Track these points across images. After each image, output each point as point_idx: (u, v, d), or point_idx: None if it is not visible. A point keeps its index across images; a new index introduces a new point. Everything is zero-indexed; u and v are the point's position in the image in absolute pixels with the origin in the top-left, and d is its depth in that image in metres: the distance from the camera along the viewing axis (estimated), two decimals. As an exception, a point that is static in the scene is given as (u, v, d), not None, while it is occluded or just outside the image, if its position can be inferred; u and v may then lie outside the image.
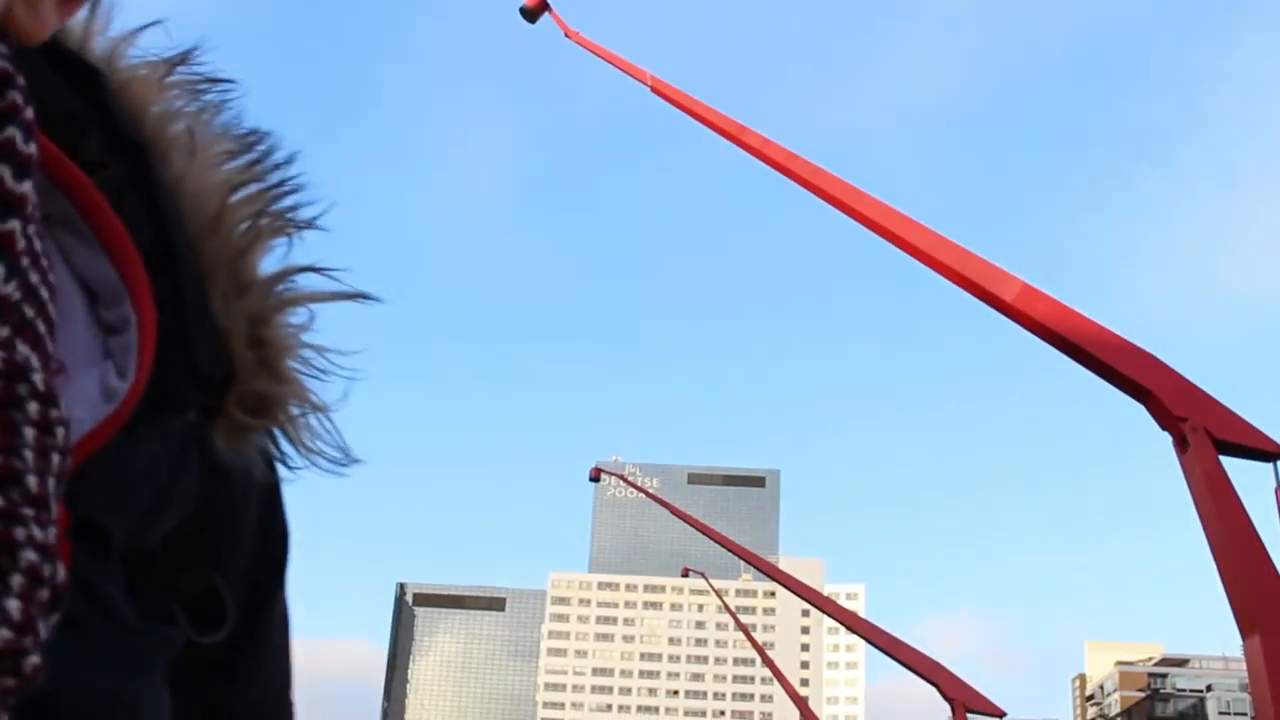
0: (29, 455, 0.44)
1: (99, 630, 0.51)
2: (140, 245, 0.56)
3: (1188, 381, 6.86)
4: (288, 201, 0.65)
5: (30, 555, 0.43)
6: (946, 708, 15.55)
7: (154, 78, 0.64)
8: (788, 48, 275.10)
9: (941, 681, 15.69)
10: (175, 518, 0.59)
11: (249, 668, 0.67)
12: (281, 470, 0.68)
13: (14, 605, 0.42)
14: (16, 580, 0.42)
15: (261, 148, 0.65)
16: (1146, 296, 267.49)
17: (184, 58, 0.65)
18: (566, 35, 13.47)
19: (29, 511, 0.43)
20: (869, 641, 17.78)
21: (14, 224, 0.45)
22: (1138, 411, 6.89)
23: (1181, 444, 6.66)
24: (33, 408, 0.44)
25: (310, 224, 0.66)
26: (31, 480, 0.43)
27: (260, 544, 0.67)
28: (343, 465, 0.68)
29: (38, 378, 0.45)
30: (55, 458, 0.45)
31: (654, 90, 11.51)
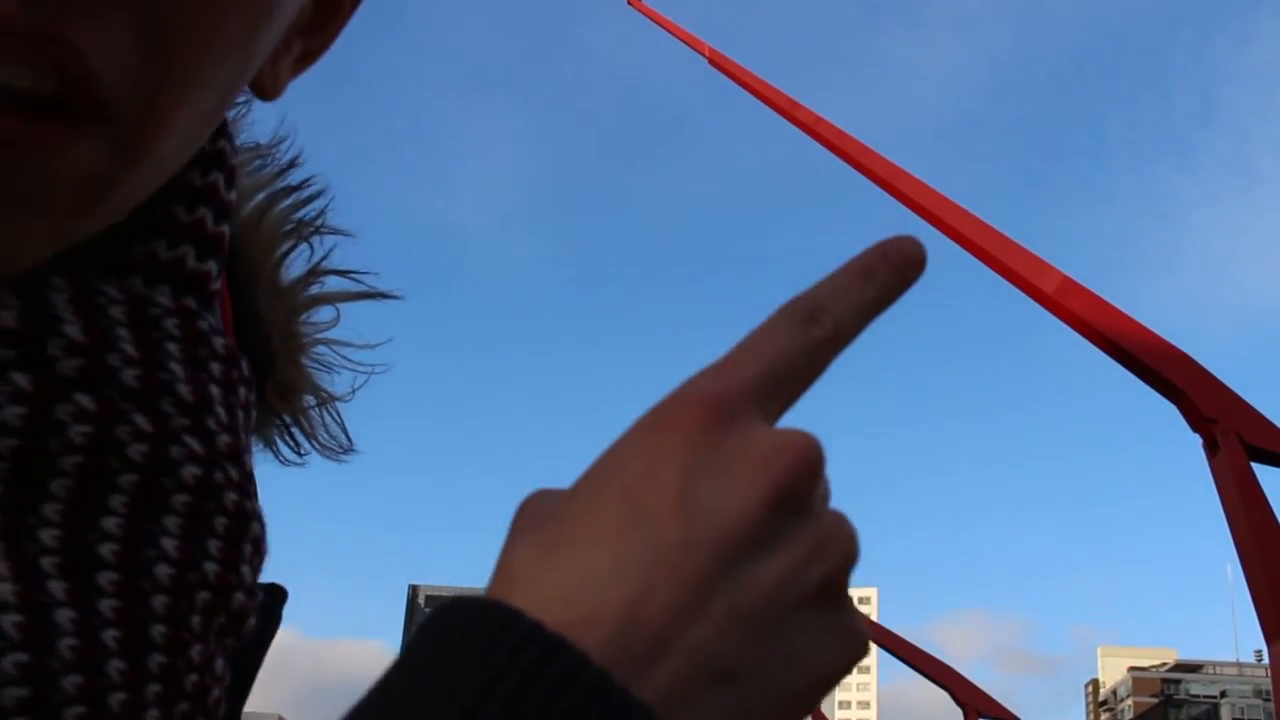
0: (244, 436, 0.48)
1: None
2: None
3: (1221, 384, 6.83)
4: (314, 205, 0.68)
5: (256, 527, 0.47)
6: (959, 712, 15.51)
7: None
8: (797, 43, 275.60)
9: (954, 686, 15.65)
10: None
11: None
12: (289, 455, 0.72)
13: (246, 571, 0.46)
14: (247, 549, 0.46)
15: (284, 154, 0.68)
16: (1159, 295, 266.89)
17: None
18: (629, 3, 13.40)
19: (251, 487, 0.47)
20: (881, 646, 17.75)
21: (211, 265, 0.50)
22: (1157, 416, 6.87)
23: (1212, 446, 6.63)
24: (242, 392, 0.49)
25: (335, 229, 0.69)
26: (248, 459, 0.48)
27: None
28: (344, 453, 0.72)
29: (244, 363, 0.50)
30: (249, 438, 0.50)
31: (711, 62, 11.49)
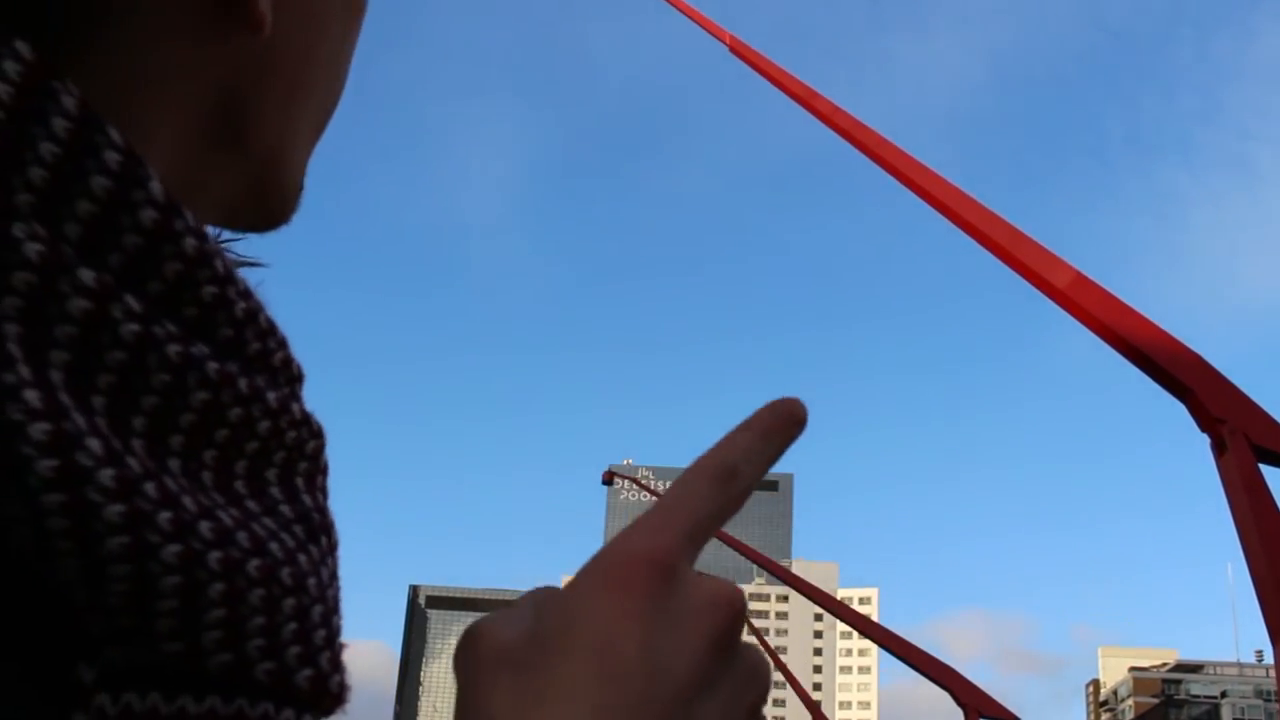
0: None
1: None
2: None
3: (1230, 384, 6.77)
4: None
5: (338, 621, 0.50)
6: (960, 712, 15.50)
7: None
8: (796, 40, 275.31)
9: (954, 686, 15.63)
10: None
11: None
12: None
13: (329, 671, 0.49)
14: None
15: None
16: (1161, 293, 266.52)
17: None
18: None
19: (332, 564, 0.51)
20: (882, 646, 17.75)
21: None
22: (1160, 416, 6.86)
23: (1219, 447, 6.60)
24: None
25: None
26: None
27: None
28: None
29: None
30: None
31: (732, 50, 11.43)
